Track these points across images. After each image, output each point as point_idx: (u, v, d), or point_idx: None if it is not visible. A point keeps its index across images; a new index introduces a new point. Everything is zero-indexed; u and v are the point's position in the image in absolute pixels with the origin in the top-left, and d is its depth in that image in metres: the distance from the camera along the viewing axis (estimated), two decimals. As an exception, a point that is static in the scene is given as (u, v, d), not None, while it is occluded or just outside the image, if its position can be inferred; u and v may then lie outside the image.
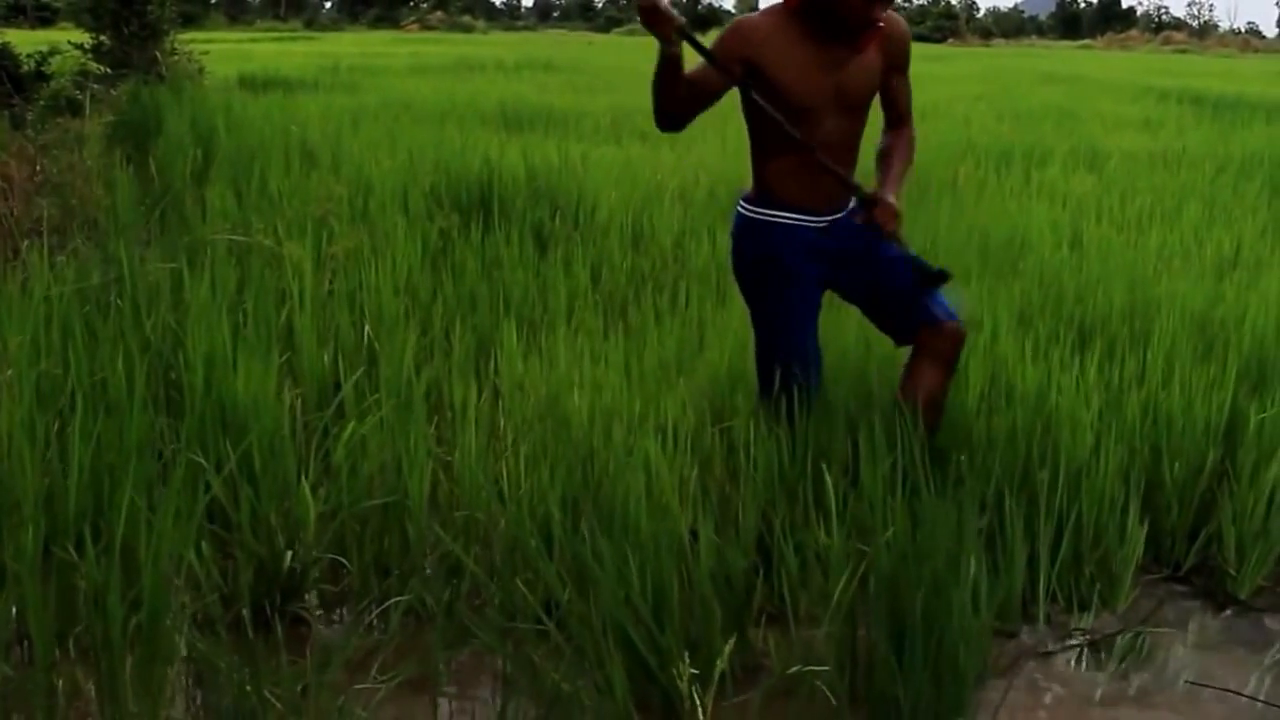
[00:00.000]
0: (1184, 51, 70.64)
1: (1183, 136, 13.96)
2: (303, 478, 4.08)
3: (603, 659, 3.34)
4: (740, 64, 4.21)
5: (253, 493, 3.96)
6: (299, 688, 3.27)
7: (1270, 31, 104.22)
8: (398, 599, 3.79)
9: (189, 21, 26.35)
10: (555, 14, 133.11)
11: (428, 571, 3.99)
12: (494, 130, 12.45)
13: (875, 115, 4.48)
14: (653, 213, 7.93)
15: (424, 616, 3.78)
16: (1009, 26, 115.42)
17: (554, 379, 4.83)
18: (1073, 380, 4.72)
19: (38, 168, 9.44)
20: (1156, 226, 8.32)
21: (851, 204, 4.38)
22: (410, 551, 4.03)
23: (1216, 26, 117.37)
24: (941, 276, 4.42)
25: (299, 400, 4.80)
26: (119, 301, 5.46)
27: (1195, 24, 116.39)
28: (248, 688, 3.18)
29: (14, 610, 3.51)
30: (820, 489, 3.97)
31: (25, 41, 16.90)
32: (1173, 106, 18.65)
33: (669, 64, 4.12)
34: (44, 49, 14.65)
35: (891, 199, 4.30)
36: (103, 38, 16.25)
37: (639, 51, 35.58)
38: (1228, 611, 4.24)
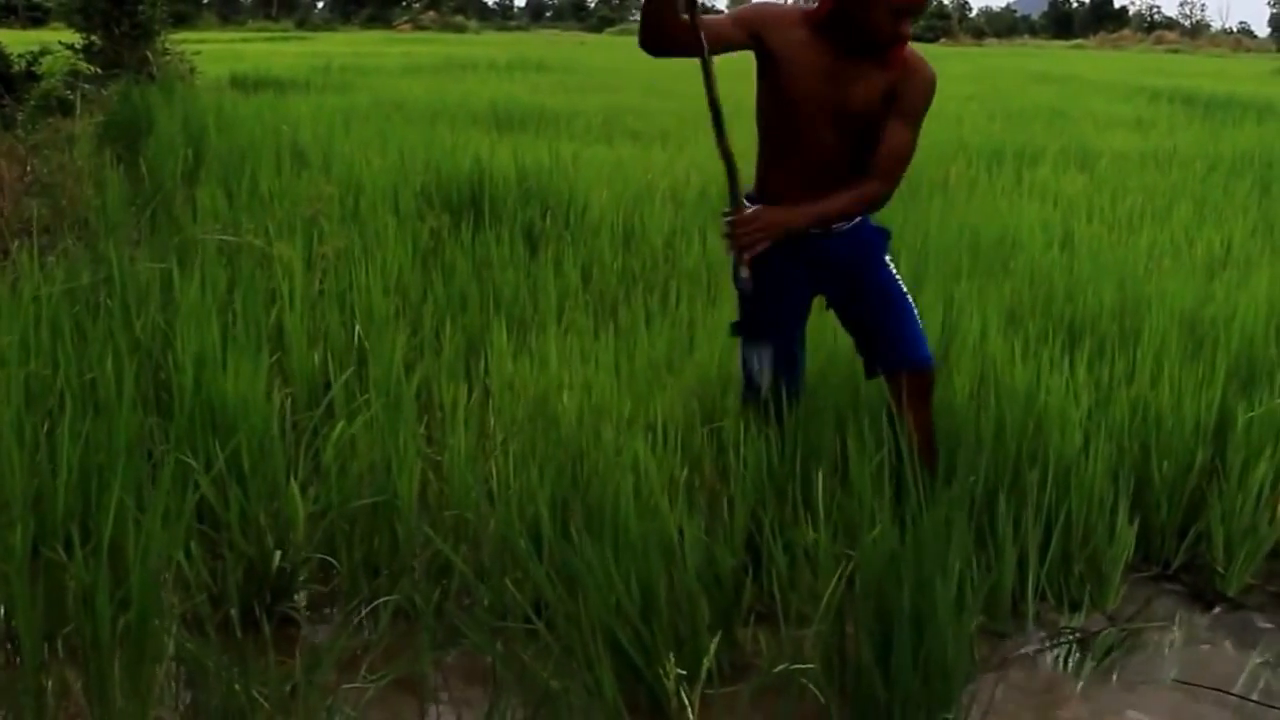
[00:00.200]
0: (1176, 51, 70.82)
1: (1174, 136, 13.98)
2: (292, 478, 4.07)
3: (591, 659, 3.34)
4: (751, 38, 4.19)
5: (242, 493, 3.96)
6: (288, 688, 3.27)
7: (1262, 31, 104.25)
8: (387, 599, 3.79)
9: (180, 21, 26.29)
10: (548, 14, 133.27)
11: (416, 572, 3.98)
12: (485, 130, 12.44)
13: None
14: (644, 213, 7.93)
15: (413, 617, 3.78)
16: (1001, 26, 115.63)
17: (544, 379, 4.83)
18: (1062, 379, 4.71)
19: (28, 168, 9.44)
20: (1147, 226, 8.34)
21: (856, 220, 4.35)
22: (400, 551, 4.03)
23: (1209, 26, 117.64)
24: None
25: (289, 400, 4.80)
26: (109, 301, 5.45)
27: (1187, 24, 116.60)
28: (236, 687, 3.18)
29: (2, 610, 3.52)
30: (809, 488, 3.97)
31: (16, 41, 16.88)
32: (1164, 106, 18.69)
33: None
34: (35, 49, 14.63)
35: (768, 214, 4.16)
36: (93, 38, 16.22)
37: (632, 51, 35.43)
38: (1217, 610, 4.25)
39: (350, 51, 33.35)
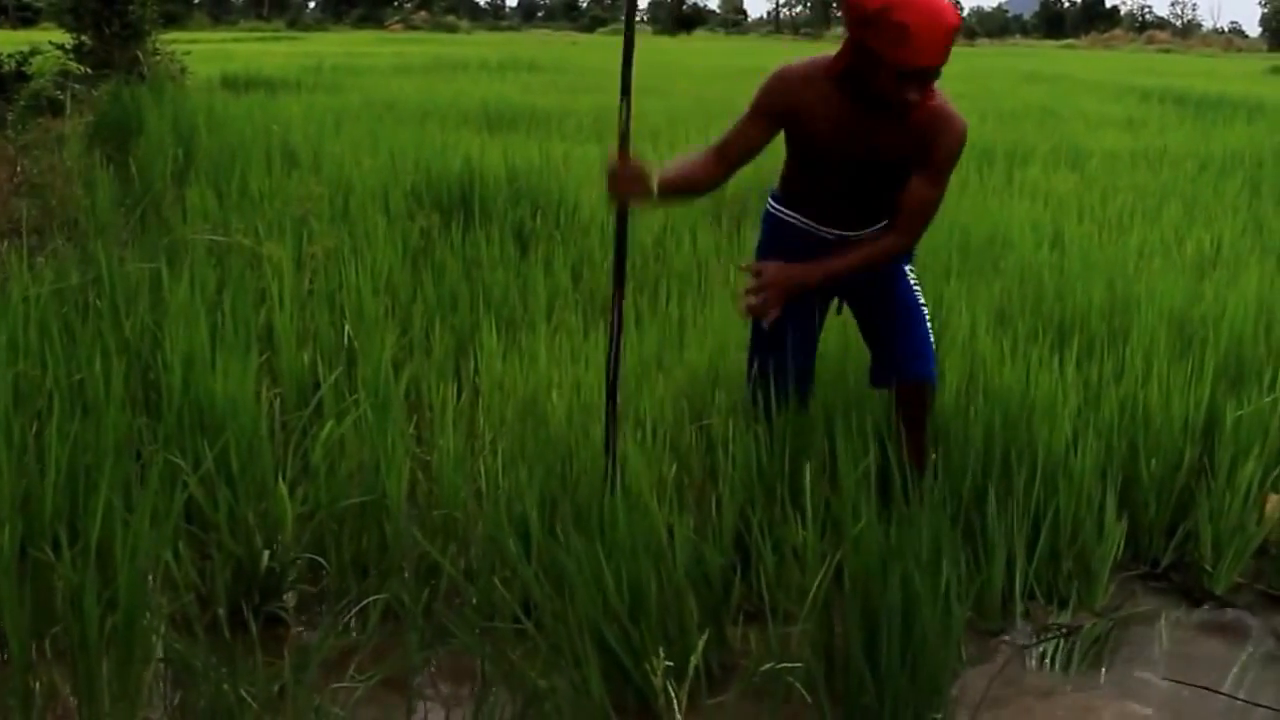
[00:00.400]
0: (1167, 51, 70.96)
1: (1164, 135, 14.00)
2: (281, 478, 4.07)
3: (579, 658, 3.34)
4: (777, 126, 4.19)
5: (230, 493, 3.95)
6: (276, 688, 3.27)
7: (1253, 31, 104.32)
8: (375, 598, 3.79)
9: (171, 21, 26.25)
10: (540, 14, 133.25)
11: (405, 572, 3.98)
12: (476, 130, 12.44)
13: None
14: (634, 212, 7.90)
15: (402, 616, 3.77)
16: (993, 26, 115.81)
17: (533, 378, 4.83)
18: (1051, 378, 4.72)
19: (18, 168, 9.42)
20: (1137, 225, 8.35)
21: (878, 226, 4.34)
22: (388, 551, 4.02)
23: (1200, 26, 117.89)
24: None
25: (278, 400, 4.80)
26: (98, 302, 5.44)
27: (1179, 24, 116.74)
28: (225, 688, 3.18)
29: (-10, 611, 3.51)
30: (798, 487, 3.97)
31: (6, 42, 16.89)
32: (1155, 106, 18.72)
33: (664, 195, 4.20)
34: (25, 49, 14.59)
35: (782, 273, 4.15)
36: (84, 38, 16.18)
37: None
38: (1205, 608, 4.26)
39: (342, 51, 33.35)
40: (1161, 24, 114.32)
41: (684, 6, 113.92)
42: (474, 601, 3.82)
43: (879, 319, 4.39)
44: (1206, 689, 3.73)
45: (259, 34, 59.41)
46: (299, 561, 4.01)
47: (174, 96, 13.23)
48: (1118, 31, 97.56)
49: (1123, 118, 16.47)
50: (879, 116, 4.03)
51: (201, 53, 20.64)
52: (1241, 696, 3.71)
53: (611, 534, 3.58)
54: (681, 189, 4.30)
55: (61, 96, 13.34)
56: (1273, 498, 4.51)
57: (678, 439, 4.41)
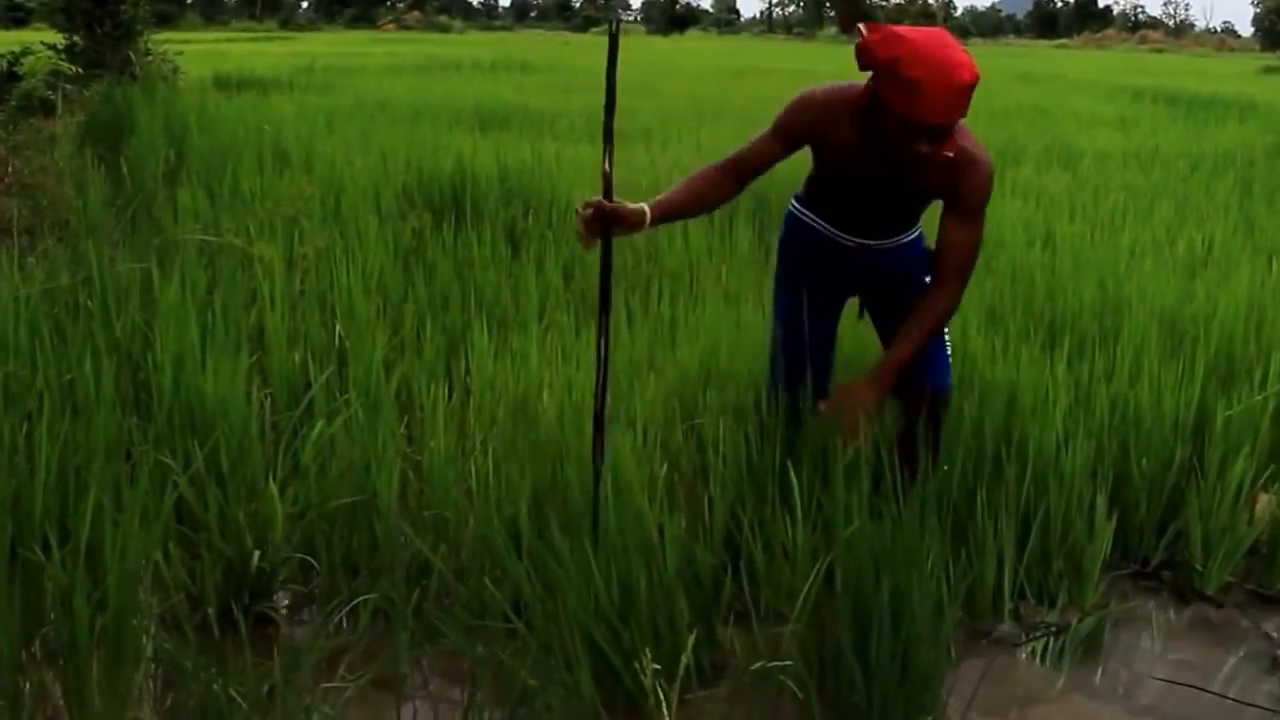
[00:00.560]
0: (1160, 51, 71.04)
1: (1156, 135, 14.00)
2: (271, 478, 4.07)
3: (569, 657, 3.35)
4: (796, 145, 4.14)
5: (221, 493, 3.95)
6: (266, 688, 3.27)
7: (1246, 31, 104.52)
8: (366, 598, 3.78)
9: (163, 21, 26.22)
10: (532, 14, 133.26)
11: (395, 572, 3.98)
12: (468, 130, 12.41)
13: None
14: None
15: (393, 616, 3.77)
16: (986, 26, 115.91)
17: (525, 378, 4.82)
18: (1042, 377, 4.72)
19: (9, 168, 9.39)
20: (1129, 225, 8.35)
21: (912, 236, 4.33)
22: (379, 551, 4.02)
23: (1193, 26, 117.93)
24: None
25: (268, 400, 4.80)
26: (88, 302, 5.44)
27: (1171, 23, 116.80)
28: (215, 688, 3.18)
29: (-21, 612, 3.50)
30: (788, 486, 3.97)
31: (-2, 42, 16.85)
32: (1147, 105, 18.73)
33: (662, 221, 4.12)
34: (16, 49, 14.59)
35: (859, 395, 3.98)
36: (75, 38, 16.15)
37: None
38: (1194, 607, 4.26)
39: (334, 52, 33.31)
40: (1154, 24, 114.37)
41: (677, 6, 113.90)
42: (464, 601, 3.81)
43: (900, 323, 4.24)
44: (1196, 688, 3.74)
45: (251, 34, 59.35)
46: (289, 561, 4.01)
47: (166, 97, 13.22)
48: (1110, 31, 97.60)
49: (1115, 117, 16.48)
50: (899, 154, 3.94)
51: (194, 53, 20.58)
52: (1231, 695, 3.72)
53: (602, 533, 3.59)
54: (685, 211, 4.22)
55: (53, 96, 13.31)
56: (1263, 497, 4.52)
57: (668, 438, 4.41)
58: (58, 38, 16.28)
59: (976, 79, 3.74)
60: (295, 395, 4.91)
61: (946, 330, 4.35)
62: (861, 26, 3.86)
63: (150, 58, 16.57)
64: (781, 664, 3.47)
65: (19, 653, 3.34)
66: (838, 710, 3.43)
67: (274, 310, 5.30)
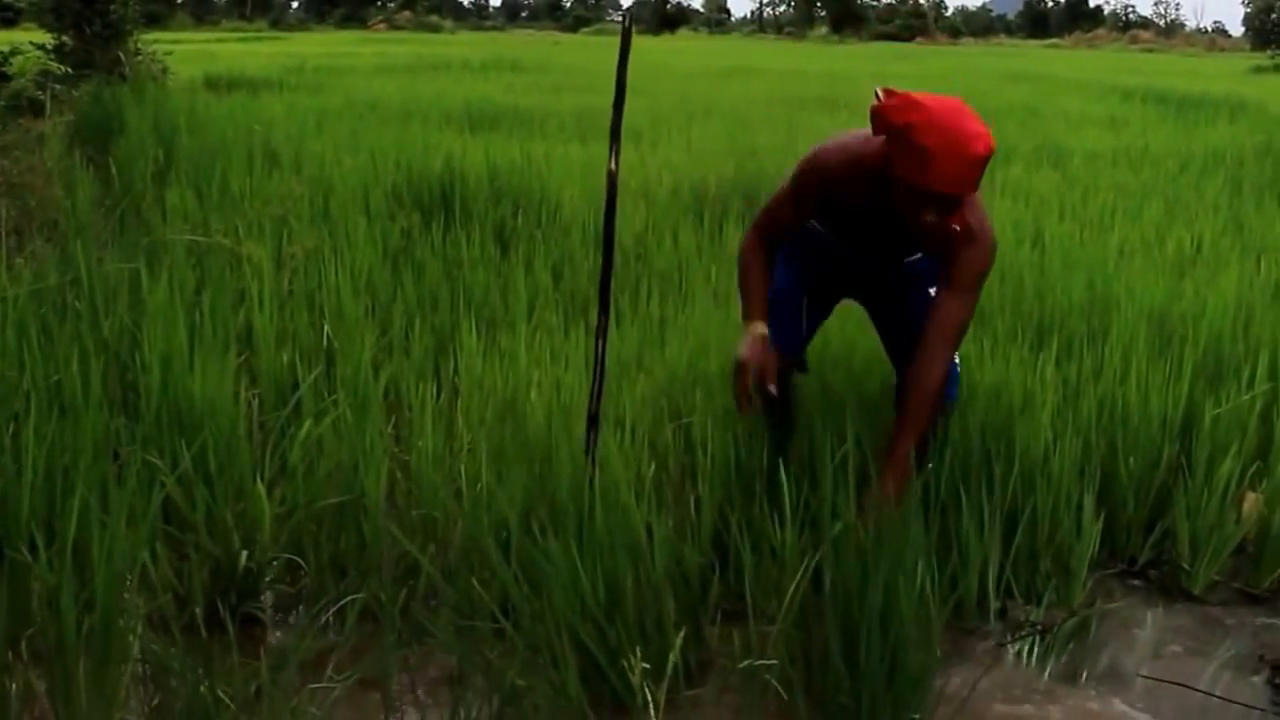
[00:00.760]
0: (1151, 50, 71.14)
1: (1146, 135, 14.00)
2: (259, 478, 4.06)
3: (557, 657, 3.35)
4: (818, 197, 4.11)
5: (208, 493, 3.94)
6: (253, 688, 3.26)
7: (1236, 30, 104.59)
8: (353, 598, 3.78)
9: (153, 22, 26.22)
10: (523, 14, 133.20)
11: (383, 572, 3.97)
12: (458, 130, 12.41)
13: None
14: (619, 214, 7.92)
15: (380, 616, 3.77)
16: (977, 26, 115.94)
17: (513, 378, 4.82)
18: (1030, 376, 4.72)
19: (-3, 169, 9.39)
20: (1118, 224, 8.36)
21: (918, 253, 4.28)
22: (367, 551, 4.02)
23: (1183, 26, 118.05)
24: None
25: (256, 400, 4.79)
26: (76, 303, 5.43)
27: (1162, 23, 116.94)
28: (201, 689, 3.17)
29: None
30: (776, 486, 3.97)
31: (-12, 42, 16.82)
32: (1137, 105, 18.73)
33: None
34: (5, 49, 14.57)
35: (883, 504, 3.77)
36: (65, 38, 16.15)
37: (606, 51, 35.57)
38: (1181, 606, 4.27)
39: (324, 52, 33.27)
40: (1145, 24, 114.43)
41: (668, 6, 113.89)
42: (452, 601, 3.81)
43: (905, 336, 4.24)
44: (1183, 686, 3.74)
45: (242, 34, 59.24)
46: (277, 562, 4.00)
47: (155, 97, 13.21)
48: (1101, 31, 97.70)
49: (1105, 117, 16.48)
50: (906, 220, 3.90)
51: (184, 53, 20.59)
52: (1218, 694, 3.72)
53: (590, 532, 3.59)
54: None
55: (42, 97, 13.29)
56: (1250, 495, 4.52)
57: (657, 438, 4.41)
58: (47, 38, 16.28)
59: (991, 151, 3.70)
60: (283, 395, 4.91)
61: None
62: (879, 90, 3.83)
63: (140, 58, 16.58)
64: (769, 663, 3.47)
65: (5, 653, 3.33)
66: (825, 710, 3.43)
67: (262, 310, 5.29)
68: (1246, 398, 4.77)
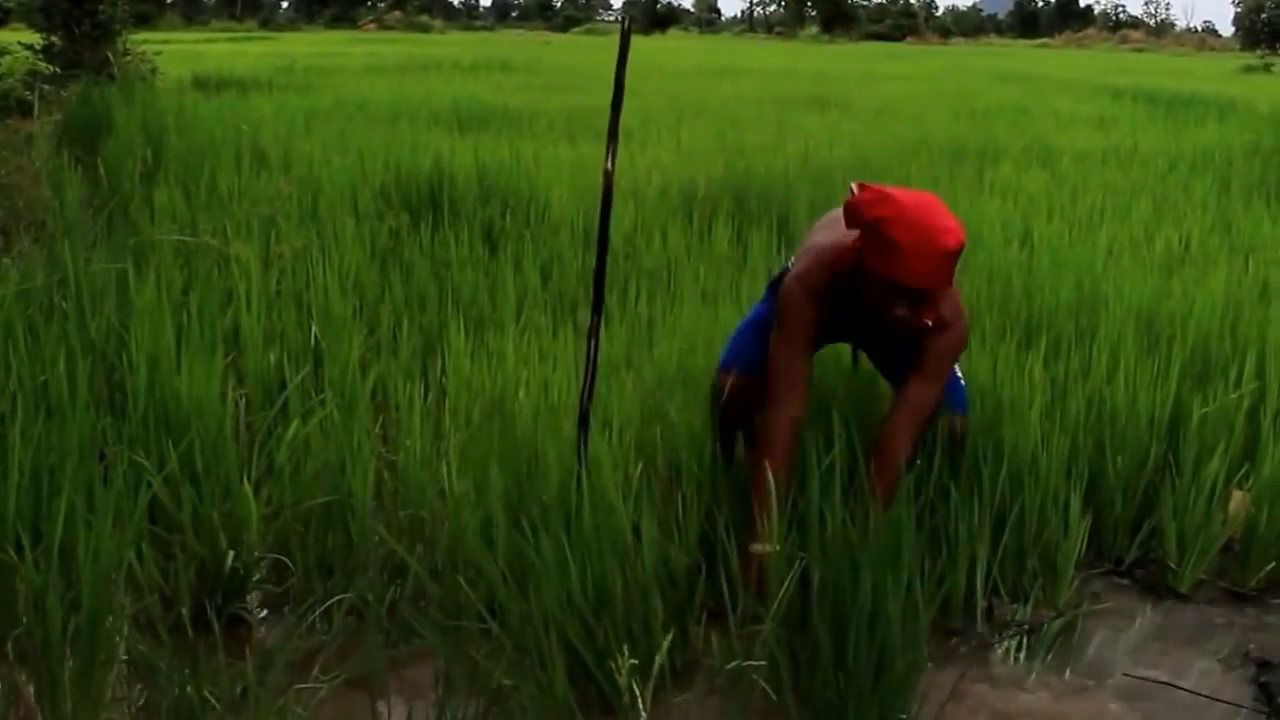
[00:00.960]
0: (1141, 50, 71.23)
1: (1136, 134, 14.02)
2: (245, 478, 4.06)
3: (544, 657, 3.34)
4: (816, 327, 4.06)
5: (195, 493, 3.94)
6: (239, 689, 3.26)
7: (1226, 30, 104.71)
8: (340, 598, 3.78)
9: (142, 22, 26.18)
10: (514, 14, 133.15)
11: (370, 571, 3.97)
12: (447, 130, 12.40)
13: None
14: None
15: (367, 616, 3.76)
16: (968, 25, 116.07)
17: (501, 378, 4.82)
18: (1018, 375, 4.72)
19: (-15, 169, 9.37)
20: (1107, 223, 8.37)
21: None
22: (354, 551, 4.02)
23: (1173, 25, 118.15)
24: None
25: (243, 400, 4.79)
26: (63, 303, 5.41)
27: (1152, 23, 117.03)
28: (188, 689, 3.17)
29: (-47, 614, 3.49)
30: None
31: (-24, 42, 16.80)
32: (1127, 104, 18.77)
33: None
34: (-7, 49, 14.58)
35: None
36: (54, 38, 16.13)
37: (596, 51, 35.58)
38: (1168, 604, 4.27)
39: (314, 52, 33.24)
40: (1135, 23, 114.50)
41: (658, 6, 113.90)
42: (439, 601, 3.81)
43: (899, 371, 4.17)
44: (1169, 684, 3.75)
45: (231, 34, 59.15)
46: (263, 562, 4.00)
47: (144, 97, 13.19)
48: (1091, 31, 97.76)
49: (1095, 116, 16.50)
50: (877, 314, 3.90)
51: (173, 53, 20.58)
52: (1204, 692, 3.72)
53: (577, 532, 3.58)
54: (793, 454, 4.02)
55: (30, 97, 13.28)
56: (1236, 494, 4.53)
57: (644, 438, 4.40)
58: (36, 38, 16.26)
59: (962, 246, 3.72)
60: (270, 395, 4.90)
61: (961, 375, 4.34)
62: (853, 185, 3.85)
63: (129, 58, 16.55)
64: (756, 664, 3.47)
65: (-9, 654, 3.34)
66: (812, 710, 3.43)
67: (249, 310, 5.29)
68: (1234, 397, 4.77)
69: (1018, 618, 4.05)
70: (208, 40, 44.66)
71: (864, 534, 3.50)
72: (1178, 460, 4.52)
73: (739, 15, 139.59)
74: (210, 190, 8.28)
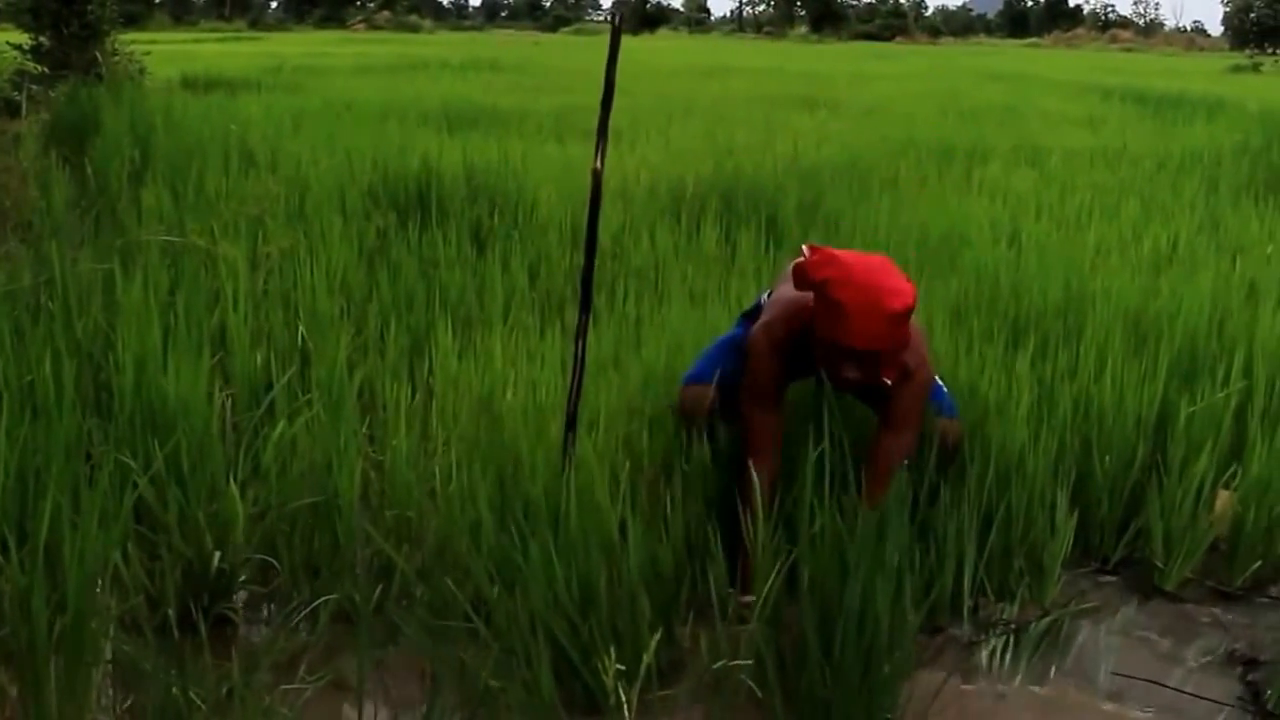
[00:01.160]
0: (1130, 50, 71.25)
1: (1124, 134, 14.03)
2: (232, 478, 4.05)
3: (530, 656, 3.34)
4: (783, 373, 4.07)
5: (181, 493, 3.93)
6: (225, 689, 3.25)
7: (1215, 30, 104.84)
8: (326, 598, 3.77)
9: (131, 22, 26.12)
10: (503, 14, 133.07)
11: (357, 571, 3.97)
12: (435, 130, 12.38)
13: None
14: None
15: (353, 617, 3.76)
16: (957, 25, 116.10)
17: (488, 377, 4.81)
18: (1006, 375, 4.72)
19: (-27, 170, 9.35)
20: (1095, 223, 8.38)
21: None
22: (340, 551, 4.01)
23: (1162, 25, 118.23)
24: None
25: (230, 401, 4.77)
26: (50, 304, 5.40)
27: (1141, 22, 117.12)
28: (173, 690, 3.17)
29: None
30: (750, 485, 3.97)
31: (-37, 42, 16.77)
32: (1115, 104, 18.79)
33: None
34: (-19, 50, 14.55)
35: None
36: (42, 38, 16.09)
37: (585, 51, 35.60)
38: (1154, 603, 4.28)
39: (303, 52, 33.20)
40: (1124, 23, 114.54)
41: (648, 5, 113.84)
42: (426, 601, 3.80)
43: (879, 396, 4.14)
44: (1155, 683, 3.76)
45: (220, 34, 59.05)
46: (250, 562, 3.99)
47: (132, 97, 13.14)
48: (1081, 30, 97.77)
49: (1083, 116, 16.52)
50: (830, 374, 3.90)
51: (162, 53, 20.49)
52: (1189, 690, 3.73)
53: (564, 531, 3.58)
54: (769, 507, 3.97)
55: (18, 97, 13.26)
56: (1223, 494, 4.53)
57: (632, 438, 4.40)
58: (24, 38, 16.21)
59: (909, 308, 3.70)
60: (257, 395, 4.89)
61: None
62: (805, 247, 3.89)
63: (117, 58, 16.49)
64: (743, 663, 3.47)
65: (-24, 655, 3.33)
66: (798, 709, 3.43)
67: (236, 311, 5.27)
68: (1221, 396, 4.77)
69: (1004, 616, 4.06)
70: (196, 40, 44.59)
71: (852, 533, 3.49)
72: (1165, 460, 4.53)
73: (728, 15, 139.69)
74: (198, 190, 8.27)
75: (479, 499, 3.86)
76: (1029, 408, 4.55)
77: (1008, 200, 9.22)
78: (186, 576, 3.83)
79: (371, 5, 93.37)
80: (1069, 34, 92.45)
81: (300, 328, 5.49)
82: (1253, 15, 51.42)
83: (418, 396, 4.87)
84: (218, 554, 3.87)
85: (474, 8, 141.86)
